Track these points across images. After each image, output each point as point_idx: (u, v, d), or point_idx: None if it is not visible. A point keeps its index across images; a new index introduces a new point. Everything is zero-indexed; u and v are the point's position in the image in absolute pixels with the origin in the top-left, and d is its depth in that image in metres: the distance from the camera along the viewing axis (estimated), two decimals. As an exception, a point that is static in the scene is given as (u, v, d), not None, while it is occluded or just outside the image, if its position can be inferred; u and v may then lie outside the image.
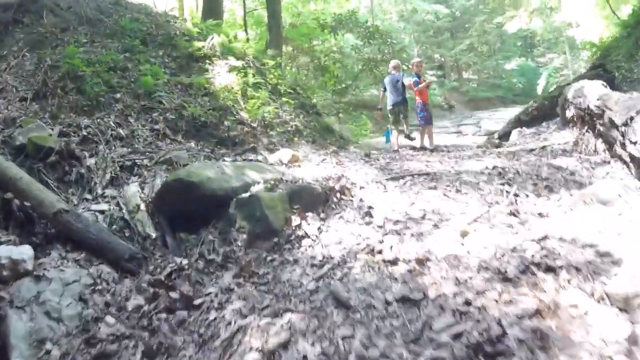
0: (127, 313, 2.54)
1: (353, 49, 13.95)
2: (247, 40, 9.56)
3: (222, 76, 6.71)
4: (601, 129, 4.65)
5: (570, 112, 6.06)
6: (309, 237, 2.89)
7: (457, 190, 3.65)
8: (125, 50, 6.54)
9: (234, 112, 6.16)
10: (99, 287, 2.72)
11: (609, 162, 4.42)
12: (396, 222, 2.98)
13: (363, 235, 2.87)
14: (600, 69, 8.01)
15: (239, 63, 7.13)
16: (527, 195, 3.55)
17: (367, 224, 3.06)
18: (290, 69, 9.21)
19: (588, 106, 5.01)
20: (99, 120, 4.80)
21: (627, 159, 4.01)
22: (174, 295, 2.56)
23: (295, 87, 8.45)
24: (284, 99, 7.35)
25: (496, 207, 3.17)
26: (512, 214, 3.05)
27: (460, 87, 26.59)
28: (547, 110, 7.97)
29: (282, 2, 13.71)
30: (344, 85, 12.34)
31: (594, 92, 5.08)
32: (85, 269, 2.86)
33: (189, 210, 3.23)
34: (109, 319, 2.47)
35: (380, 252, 2.61)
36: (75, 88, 5.26)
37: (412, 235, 2.78)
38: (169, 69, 6.58)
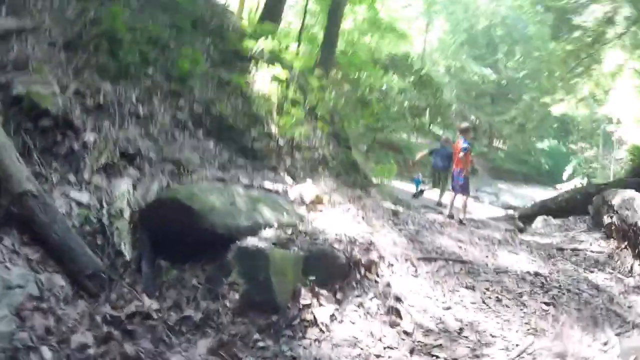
0: (69, 350, 1.95)
1: (400, 91, 13.53)
2: (297, 54, 9.15)
3: (262, 82, 6.24)
4: (645, 250, 4.36)
5: (609, 220, 5.69)
6: (317, 325, 2.25)
7: (498, 299, 3.08)
8: (173, 27, 6.12)
9: (265, 124, 5.68)
10: (44, 305, 2.14)
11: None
12: (428, 332, 2.37)
13: (385, 342, 2.25)
14: (643, 177, 7.60)
15: (284, 74, 6.67)
16: (572, 327, 3.02)
17: (392, 325, 2.44)
18: (330, 95, 8.75)
19: (636, 222, 4.75)
20: (121, 90, 4.30)
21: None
22: (130, 348, 1.97)
23: (333, 114, 7.99)
24: (319, 124, 6.87)
25: (542, 341, 2.63)
26: (559, 355, 2.51)
27: (487, 153, 26.19)
28: (577, 204, 7.53)
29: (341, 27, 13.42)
30: (380, 125, 11.89)
31: (646, 209, 4.79)
32: (35, 274, 2.29)
33: (178, 237, 2.61)
34: (46, 353, 1.89)
35: (407, 380, 2.00)
36: (109, 50, 4.80)
37: (448, 361, 2.18)
38: (211, 60, 6.13)
